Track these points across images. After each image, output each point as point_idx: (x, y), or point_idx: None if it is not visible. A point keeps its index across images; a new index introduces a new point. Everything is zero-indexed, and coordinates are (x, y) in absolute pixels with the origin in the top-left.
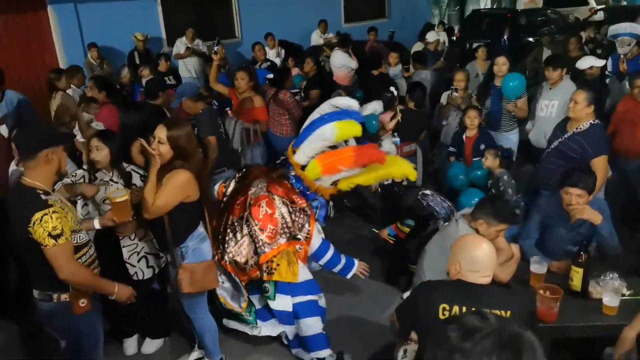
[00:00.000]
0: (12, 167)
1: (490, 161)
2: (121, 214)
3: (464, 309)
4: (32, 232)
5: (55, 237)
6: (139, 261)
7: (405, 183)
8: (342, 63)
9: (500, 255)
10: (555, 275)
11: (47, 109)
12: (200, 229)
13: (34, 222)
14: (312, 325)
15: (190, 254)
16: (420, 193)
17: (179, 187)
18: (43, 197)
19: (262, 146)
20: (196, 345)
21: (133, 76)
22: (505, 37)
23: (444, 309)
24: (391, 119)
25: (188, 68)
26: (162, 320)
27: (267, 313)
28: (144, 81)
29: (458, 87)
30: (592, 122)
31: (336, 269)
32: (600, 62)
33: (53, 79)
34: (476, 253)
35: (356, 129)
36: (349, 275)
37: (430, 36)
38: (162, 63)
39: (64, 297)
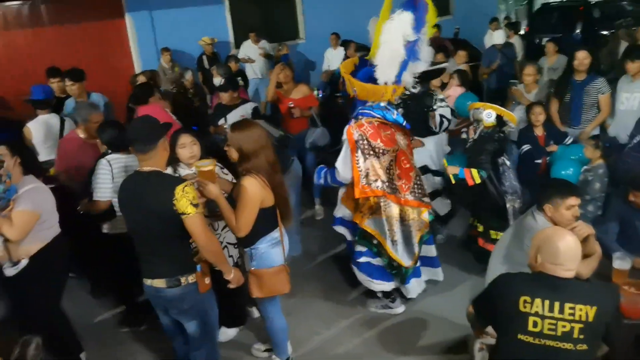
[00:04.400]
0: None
1: (590, 152)
2: (208, 180)
3: (547, 302)
4: (176, 204)
5: (195, 206)
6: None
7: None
8: None
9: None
10: (639, 272)
11: (123, 109)
12: (274, 234)
13: (178, 194)
14: None
15: (258, 257)
16: (501, 159)
17: (250, 200)
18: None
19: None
20: None
21: (203, 78)
22: (577, 31)
23: (525, 301)
24: None
25: (254, 69)
26: (239, 309)
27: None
28: (215, 81)
29: (517, 82)
30: None
31: None
32: None
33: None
34: (559, 245)
35: None
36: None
37: (498, 36)
38: (231, 64)
39: (191, 278)
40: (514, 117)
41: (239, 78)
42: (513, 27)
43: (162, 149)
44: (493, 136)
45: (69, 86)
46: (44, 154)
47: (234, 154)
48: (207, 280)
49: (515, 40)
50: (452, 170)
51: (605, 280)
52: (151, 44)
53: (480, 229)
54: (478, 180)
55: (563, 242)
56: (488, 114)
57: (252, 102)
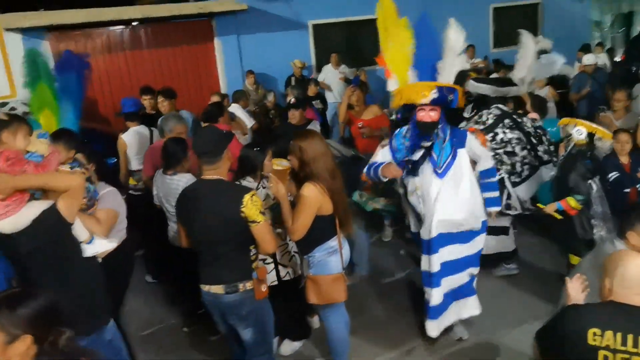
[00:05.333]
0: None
1: None
2: (280, 179)
3: (619, 334)
4: (245, 212)
5: (263, 214)
6: (290, 260)
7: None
8: None
9: None
10: None
11: None
12: (332, 242)
13: (247, 202)
14: None
15: (316, 264)
16: (591, 179)
17: (308, 204)
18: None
19: None
20: None
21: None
22: None
23: (594, 334)
24: None
25: (333, 93)
26: (304, 322)
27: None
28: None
29: (606, 107)
30: None
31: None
32: None
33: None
34: (628, 267)
35: None
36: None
37: (587, 59)
38: (311, 87)
39: (249, 285)
40: (609, 134)
41: (318, 101)
42: (608, 53)
43: (226, 159)
44: (585, 154)
45: (160, 102)
46: (136, 164)
47: (295, 162)
48: (264, 288)
49: (602, 57)
50: (551, 209)
51: None
52: (237, 66)
53: (576, 261)
54: (579, 207)
55: (632, 263)
56: (578, 130)
57: (316, 121)
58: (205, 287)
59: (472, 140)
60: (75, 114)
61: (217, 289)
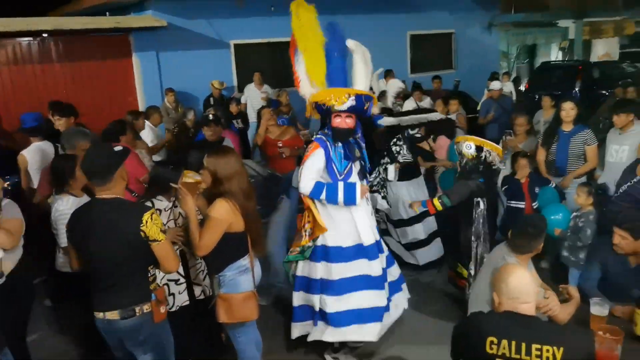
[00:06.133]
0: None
1: (583, 199)
2: (190, 192)
3: (514, 342)
4: (146, 230)
5: (164, 232)
6: (204, 279)
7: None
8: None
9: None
10: (619, 320)
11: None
12: (243, 261)
13: (147, 221)
14: None
15: (227, 283)
16: (478, 199)
17: (219, 220)
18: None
19: None
20: None
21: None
22: (576, 89)
23: (491, 342)
24: None
25: (256, 113)
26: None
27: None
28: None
29: (512, 131)
30: None
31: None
32: None
33: (130, 119)
34: (510, 280)
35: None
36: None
37: (493, 85)
38: (232, 106)
39: (146, 307)
40: (497, 147)
41: (239, 120)
42: (514, 82)
43: (119, 178)
44: (477, 169)
45: (56, 120)
46: (37, 182)
47: (207, 178)
48: (163, 309)
49: (509, 85)
50: (416, 205)
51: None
52: (156, 83)
53: (462, 271)
54: (440, 208)
55: (514, 275)
56: (468, 145)
57: (229, 140)
58: (100, 314)
59: None
60: None
61: (112, 315)
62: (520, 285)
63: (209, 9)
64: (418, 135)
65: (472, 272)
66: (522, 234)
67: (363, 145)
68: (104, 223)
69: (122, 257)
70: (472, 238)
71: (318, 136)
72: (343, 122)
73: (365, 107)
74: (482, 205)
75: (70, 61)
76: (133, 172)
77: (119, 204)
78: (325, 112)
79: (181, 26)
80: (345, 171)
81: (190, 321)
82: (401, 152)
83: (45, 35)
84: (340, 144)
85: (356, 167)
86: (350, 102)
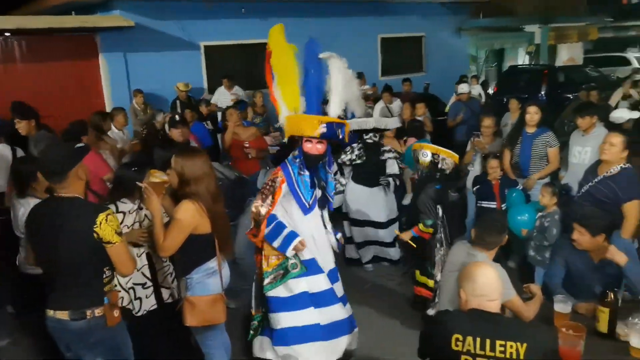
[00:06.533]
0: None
1: (547, 199)
2: (156, 192)
3: (478, 339)
4: (99, 232)
5: (120, 234)
6: (172, 282)
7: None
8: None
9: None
10: (582, 317)
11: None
12: (210, 263)
13: (101, 222)
14: None
15: (194, 286)
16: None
17: (184, 221)
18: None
19: None
20: None
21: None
22: (542, 93)
23: (457, 339)
24: None
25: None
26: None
27: None
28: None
29: (480, 133)
30: (623, 166)
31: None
32: (635, 114)
33: (98, 120)
34: (476, 277)
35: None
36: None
37: (462, 88)
38: (202, 108)
39: (98, 311)
40: (453, 154)
41: (209, 122)
42: (482, 85)
43: (75, 177)
44: (434, 176)
45: (17, 123)
46: None
47: (174, 179)
48: (117, 313)
49: (477, 88)
50: (407, 237)
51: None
52: (124, 85)
53: (420, 277)
54: (430, 230)
55: (481, 273)
56: (423, 153)
57: (194, 142)
58: (50, 312)
59: None
60: None
61: (62, 315)
62: (489, 283)
63: (179, 10)
64: (370, 141)
65: (438, 278)
66: (491, 230)
67: (330, 169)
68: (58, 222)
69: (74, 257)
70: (437, 245)
71: (283, 163)
72: (314, 147)
73: (337, 134)
74: (440, 212)
75: (35, 62)
76: (95, 171)
77: (75, 203)
78: (297, 136)
79: (150, 27)
80: (311, 200)
81: (158, 324)
82: (354, 152)
83: (7, 34)
84: (307, 173)
85: (319, 194)
86: (322, 129)
